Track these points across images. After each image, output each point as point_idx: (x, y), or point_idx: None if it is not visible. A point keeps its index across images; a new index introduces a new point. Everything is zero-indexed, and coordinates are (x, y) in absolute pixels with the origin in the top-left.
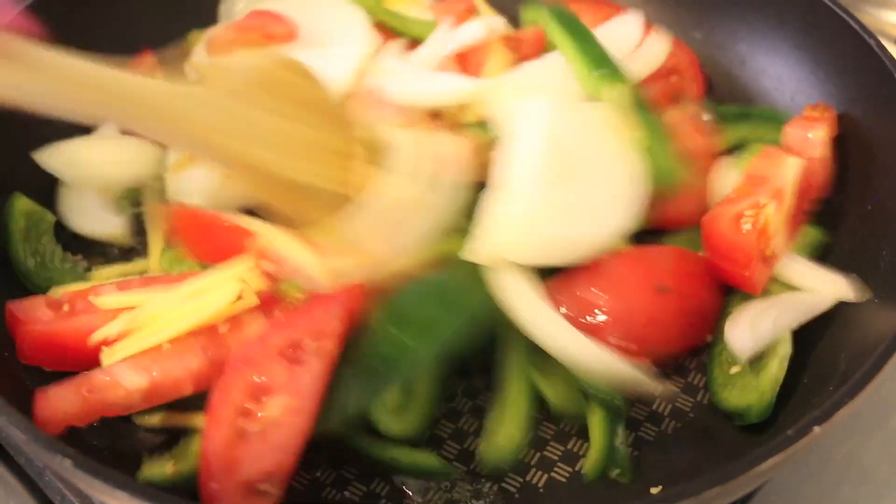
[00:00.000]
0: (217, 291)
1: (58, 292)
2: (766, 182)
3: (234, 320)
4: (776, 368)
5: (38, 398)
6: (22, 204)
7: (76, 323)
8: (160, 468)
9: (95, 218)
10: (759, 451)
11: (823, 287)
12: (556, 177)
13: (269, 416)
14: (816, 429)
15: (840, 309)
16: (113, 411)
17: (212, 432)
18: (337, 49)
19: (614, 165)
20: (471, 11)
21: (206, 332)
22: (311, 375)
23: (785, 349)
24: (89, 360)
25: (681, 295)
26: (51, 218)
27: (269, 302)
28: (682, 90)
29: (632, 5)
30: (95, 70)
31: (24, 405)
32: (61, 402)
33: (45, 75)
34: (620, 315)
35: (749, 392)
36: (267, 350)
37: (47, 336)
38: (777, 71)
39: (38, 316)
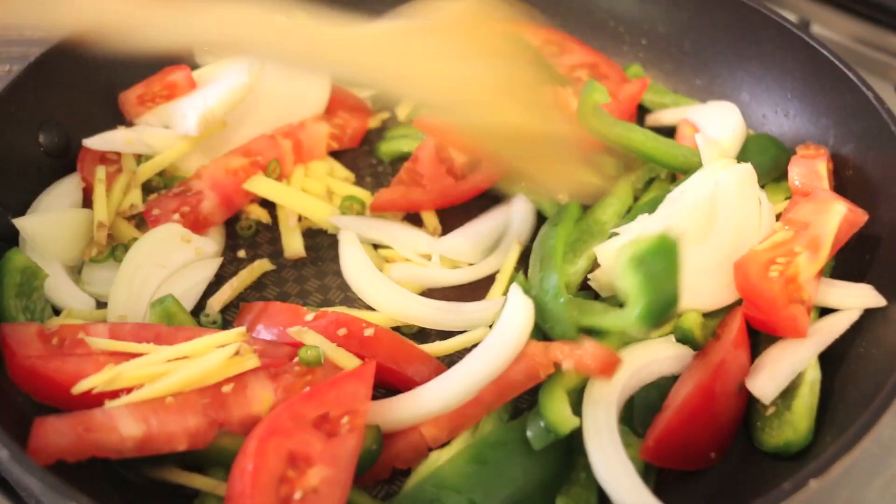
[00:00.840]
0: (212, 349)
1: (52, 323)
2: (807, 229)
3: (239, 382)
4: (807, 396)
5: (35, 426)
6: (19, 259)
7: (64, 365)
8: None
9: (63, 290)
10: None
11: (849, 300)
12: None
13: (310, 484)
14: (813, 482)
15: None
16: (103, 453)
17: (253, 499)
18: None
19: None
20: None
21: (210, 392)
22: (345, 448)
23: (813, 375)
24: (73, 401)
25: None
26: (44, 275)
27: (277, 366)
28: None
29: (633, 52)
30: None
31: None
32: (57, 434)
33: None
34: None
35: (785, 429)
36: (300, 421)
37: (34, 371)
38: (778, 119)
39: (28, 346)
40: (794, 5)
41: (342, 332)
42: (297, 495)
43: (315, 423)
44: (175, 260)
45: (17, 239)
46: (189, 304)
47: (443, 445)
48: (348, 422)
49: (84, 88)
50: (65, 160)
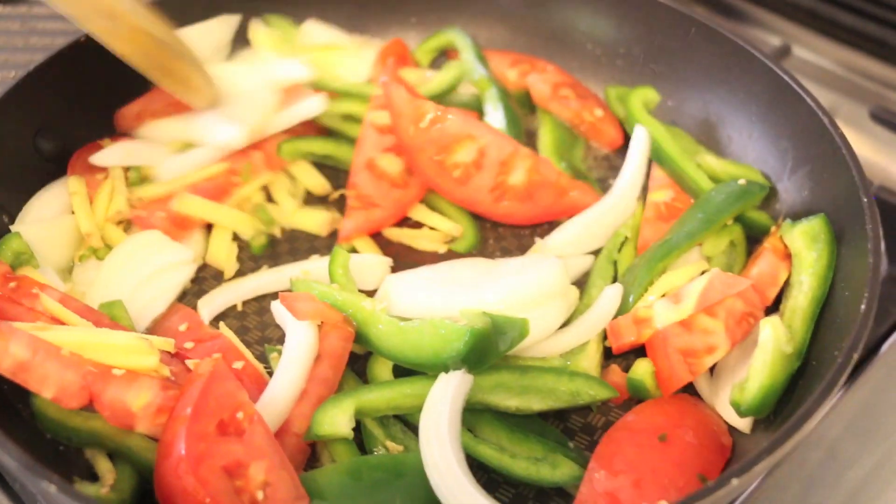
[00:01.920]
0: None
1: (22, 272)
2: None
3: (132, 373)
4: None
5: None
6: (17, 243)
7: (6, 306)
8: (93, 489)
9: None
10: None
11: None
12: None
13: (260, 482)
14: (734, 481)
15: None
16: None
17: None
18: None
19: None
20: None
21: (102, 365)
22: (259, 436)
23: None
24: None
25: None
26: (36, 264)
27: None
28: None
29: (610, 73)
30: None
31: (12, 427)
32: None
33: None
34: None
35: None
36: (206, 437)
37: None
38: (742, 141)
39: None
40: (778, 29)
41: (216, 356)
42: (259, 496)
43: (219, 432)
44: (153, 263)
45: None
46: (163, 305)
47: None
48: (244, 415)
49: (82, 96)
50: (61, 165)
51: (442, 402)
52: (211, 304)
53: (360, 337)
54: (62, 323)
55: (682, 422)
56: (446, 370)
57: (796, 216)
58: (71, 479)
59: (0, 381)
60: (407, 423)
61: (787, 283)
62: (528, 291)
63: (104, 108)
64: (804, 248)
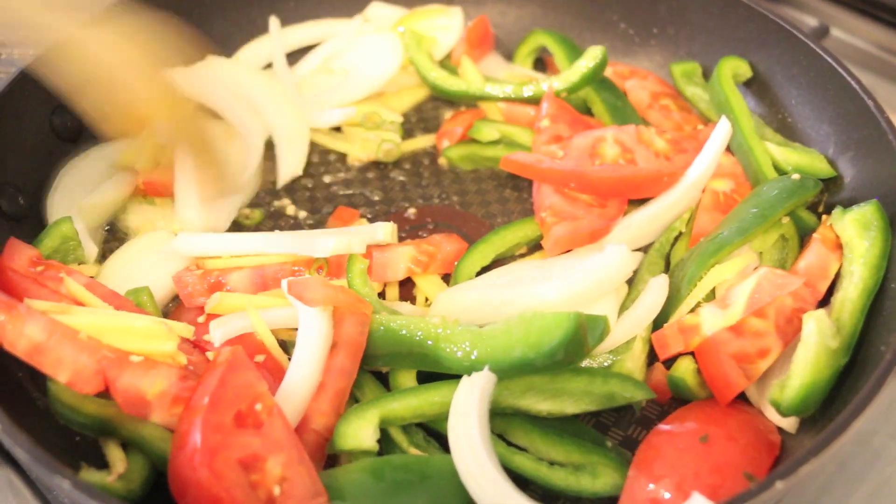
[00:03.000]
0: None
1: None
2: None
3: (150, 360)
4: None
5: None
6: (66, 227)
7: (30, 286)
8: (100, 477)
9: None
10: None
11: None
12: None
13: (277, 476)
14: (779, 484)
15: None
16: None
17: None
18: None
19: None
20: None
21: (118, 350)
22: (278, 429)
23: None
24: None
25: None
26: (81, 254)
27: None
28: None
29: (643, 53)
30: None
31: (27, 420)
32: None
33: None
34: None
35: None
36: (223, 429)
37: (5, 279)
38: (781, 125)
39: (16, 260)
40: (815, 10)
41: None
42: (276, 491)
43: (236, 424)
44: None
45: (27, 220)
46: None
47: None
48: (262, 407)
49: None
50: (77, 144)
51: (469, 406)
52: (224, 326)
53: (426, 359)
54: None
55: (724, 422)
56: (540, 367)
57: (839, 203)
58: (79, 466)
59: (16, 367)
60: (429, 430)
61: (838, 275)
62: (595, 280)
63: None
64: (856, 236)
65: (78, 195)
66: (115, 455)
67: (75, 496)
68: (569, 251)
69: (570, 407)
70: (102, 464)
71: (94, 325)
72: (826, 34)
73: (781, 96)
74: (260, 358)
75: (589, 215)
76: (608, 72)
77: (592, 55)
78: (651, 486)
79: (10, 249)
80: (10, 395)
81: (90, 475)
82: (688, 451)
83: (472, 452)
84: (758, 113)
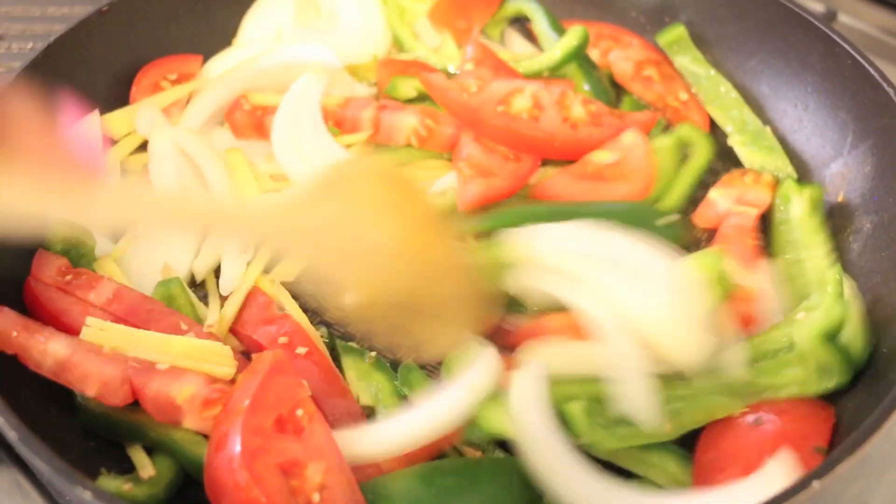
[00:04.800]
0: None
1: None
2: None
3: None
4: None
5: None
6: (56, 234)
7: (57, 297)
8: (119, 484)
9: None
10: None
11: None
12: None
13: (316, 483)
14: (816, 483)
15: None
16: (23, 357)
17: None
18: None
19: None
20: None
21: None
22: (319, 436)
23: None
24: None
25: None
26: (92, 243)
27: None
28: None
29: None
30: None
31: (42, 426)
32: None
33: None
34: None
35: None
36: (263, 433)
37: (34, 292)
38: (798, 113)
39: (44, 271)
40: None
41: (283, 340)
42: (315, 498)
43: (277, 429)
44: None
45: None
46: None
47: None
48: (304, 413)
49: (105, 65)
50: None
51: (528, 399)
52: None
53: None
54: (116, 316)
55: (769, 402)
56: None
57: (859, 193)
58: (98, 472)
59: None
60: None
61: None
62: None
63: (126, 77)
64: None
65: None
66: (142, 460)
67: None
68: None
69: None
70: (121, 467)
71: (149, 346)
72: (834, 19)
73: (797, 83)
74: (302, 350)
75: (503, 171)
76: (592, 33)
77: (575, 34)
78: (717, 480)
79: (39, 261)
80: (25, 401)
81: (109, 482)
82: (746, 437)
83: (549, 449)
84: (772, 102)
